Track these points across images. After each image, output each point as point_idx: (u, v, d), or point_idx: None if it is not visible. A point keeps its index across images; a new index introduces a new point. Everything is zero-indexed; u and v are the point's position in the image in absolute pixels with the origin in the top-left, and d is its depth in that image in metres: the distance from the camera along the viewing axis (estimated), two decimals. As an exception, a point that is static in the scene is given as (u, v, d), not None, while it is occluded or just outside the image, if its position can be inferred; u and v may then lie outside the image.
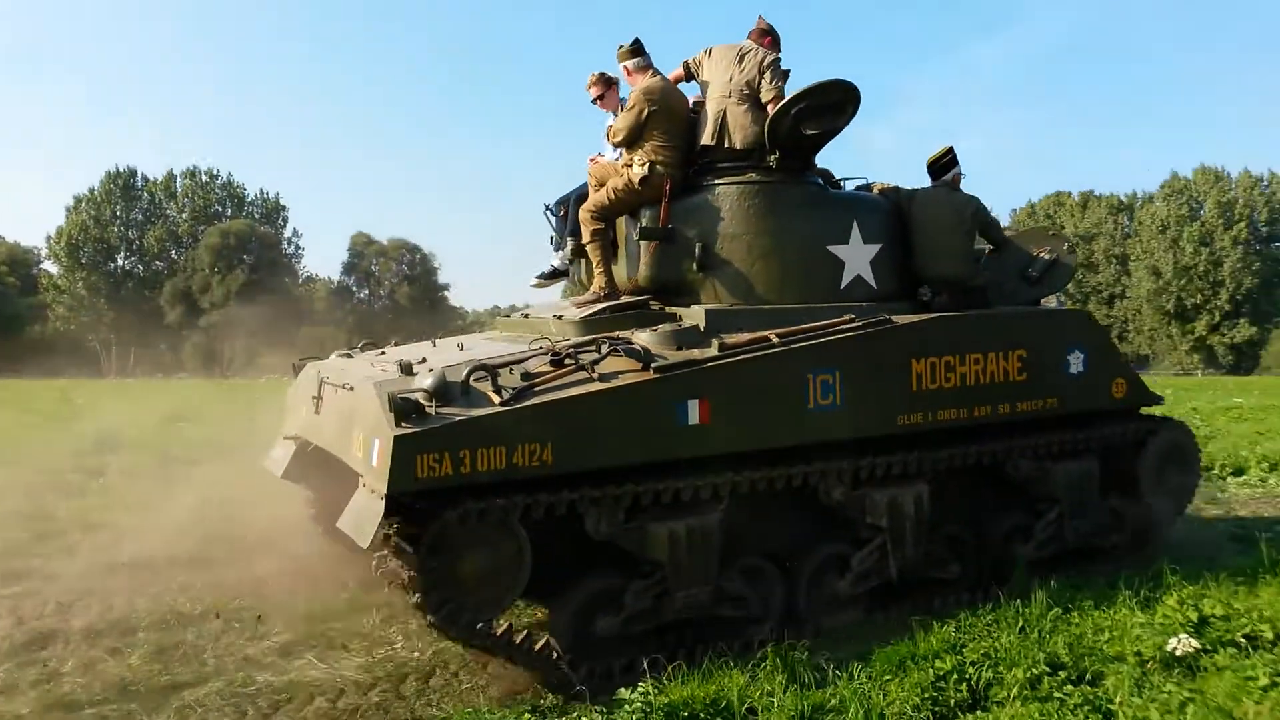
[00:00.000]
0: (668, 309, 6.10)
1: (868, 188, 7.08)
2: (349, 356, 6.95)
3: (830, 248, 6.32)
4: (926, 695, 4.54)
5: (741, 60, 6.27)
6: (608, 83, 6.88)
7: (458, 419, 4.55)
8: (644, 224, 6.15)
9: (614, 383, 4.96)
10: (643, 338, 5.40)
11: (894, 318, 6.00)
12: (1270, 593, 5.85)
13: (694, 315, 5.86)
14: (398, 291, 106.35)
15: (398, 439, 4.36)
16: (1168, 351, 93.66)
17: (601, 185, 6.34)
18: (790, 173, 6.32)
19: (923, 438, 6.03)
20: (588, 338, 5.46)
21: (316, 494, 7.03)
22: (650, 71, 6.34)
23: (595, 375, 4.93)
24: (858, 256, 6.42)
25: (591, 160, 6.79)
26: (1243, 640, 4.97)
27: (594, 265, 6.36)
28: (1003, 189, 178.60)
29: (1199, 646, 4.79)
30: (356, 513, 4.75)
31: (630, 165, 6.11)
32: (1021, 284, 7.14)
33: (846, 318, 5.83)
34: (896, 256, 6.62)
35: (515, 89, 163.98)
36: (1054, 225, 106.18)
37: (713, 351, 5.28)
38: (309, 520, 7.31)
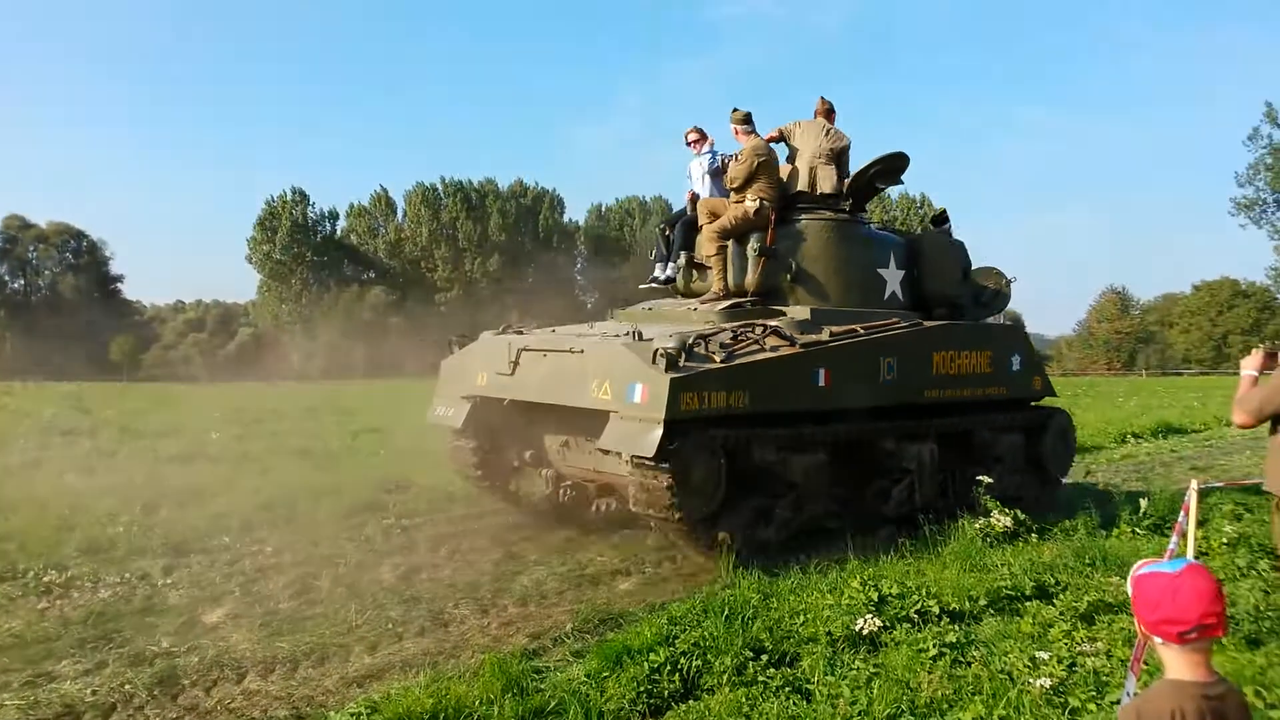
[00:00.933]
0: (770, 308, 8.18)
1: (944, 217, 9.98)
2: (519, 333, 8.57)
3: (878, 270, 8.84)
4: (642, 689, 4.62)
5: (827, 134, 8.75)
6: (702, 135, 9.24)
7: (703, 369, 6.58)
8: (755, 244, 8.21)
9: (779, 353, 7.13)
10: (773, 325, 7.44)
11: (923, 322, 8.56)
12: (934, 570, 6.58)
13: (799, 312, 7.99)
14: (61, 282, 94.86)
15: (673, 380, 6.30)
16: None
17: (714, 216, 8.47)
18: (854, 214, 8.92)
19: (932, 409, 8.48)
20: (738, 323, 7.53)
21: (478, 444, 8.79)
22: (753, 133, 8.46)
23: (766, 347, 7.07)
24: (893, 278, 8.94)
25: (690, 195, 9.22)
26: (915, 616, 5.52)
27: (715, 272, 8.44)
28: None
29: (881, 624, 5.25)
30: (621, 435, 6.63)
31: (743, 201, 8.23)
32: (977, 306, 9.78)
33: (895, 320, 8.22)
34: (912, 279, 9.11)
35: (206, 74, 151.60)
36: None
37: (825, 336, 7.45)
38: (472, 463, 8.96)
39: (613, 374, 6.79)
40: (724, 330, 7.21)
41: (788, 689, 4.53)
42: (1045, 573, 6.42)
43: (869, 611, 5.45)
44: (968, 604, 5.77)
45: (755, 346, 7.02)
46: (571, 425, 7.99)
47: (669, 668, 4.79)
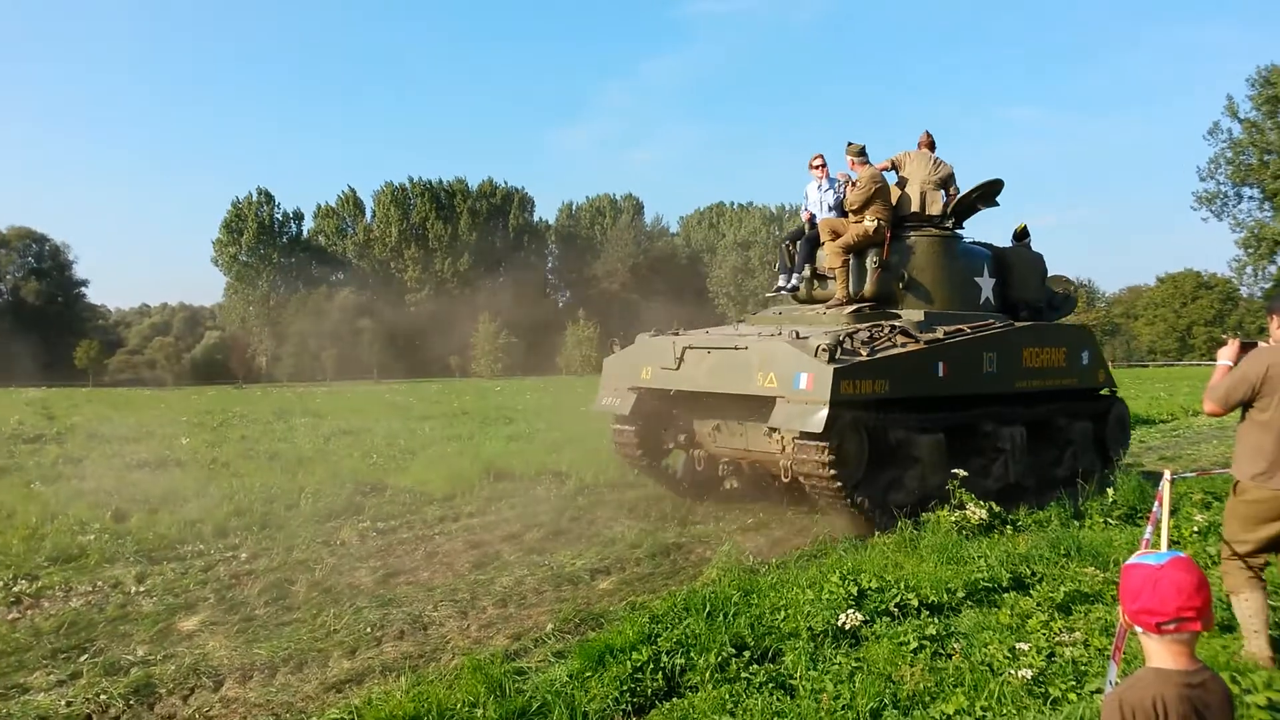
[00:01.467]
0: (887, 311, 9.54)
1: (1026, 232, 11.53)
2: (676, 334, 9.89)
3: (975, 279, 10.41)
4: (625, 688, 4.61)
5: (934, 165, 10.24)
6: (824, 163, 10.58)
7: (854, 361, 7.80)
8: (873, 258, 9.63)
9: (908, 348, 8.37)
10: (899, 325, 8.80)
11: (1013, 323, 10.11)
12: (912, 563, 6.62)
13: (913, 315, 9.34)
14: (24, 287, 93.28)
15: (835, 370, 7.53)
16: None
17: (835, 235, 9.78)
18: (955, 230, 10.43)
19: (1021, 397, 9.91)
20: (868, 324, 8.85)
21: (639, 428, 10.02)
22: (867, 163, 9.75)
23: (897, 344, 8.36)
24: (986, 285, 10.52)
25: (808, 215, 10.62)
26: (895, 609, 5.55)
27: (838, 282, 9.79)
28: (674, 198, 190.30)
29: (862, 619, 5.28)
30: (789, 415, 7.79)
31: (862, 221, 9.60)
32: (1051, 309, 11.48)
33: (991, 321, 9.82)
34: (1001, 286, 10.70)
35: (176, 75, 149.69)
36: (719, 233, 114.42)
37: (940, 335, 8.76)
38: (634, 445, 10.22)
39: (777, 366, 7.98)
40: (860, 329, 8.54)
41: (771, 685, 4.53)
42: (1021, 564, 6.48)
43: (849, 606, 5.48)
44: (946, 596, 5.81)
45: (889, 343, 8.33)
46: (725, 412, 9.29)
47: (652, 666, 4.79)
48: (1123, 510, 8.54)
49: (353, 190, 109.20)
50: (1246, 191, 57.89)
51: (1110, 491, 9.03)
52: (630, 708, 4.54)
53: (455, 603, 6.70)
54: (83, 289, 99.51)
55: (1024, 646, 4.77)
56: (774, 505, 10.00)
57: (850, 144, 9.75)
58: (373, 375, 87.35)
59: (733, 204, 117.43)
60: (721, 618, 5.43)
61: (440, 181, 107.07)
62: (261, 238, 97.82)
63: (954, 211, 10.29)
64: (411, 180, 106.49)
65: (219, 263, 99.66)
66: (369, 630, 6.12)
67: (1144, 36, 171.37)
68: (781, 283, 10.83)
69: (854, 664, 4.69)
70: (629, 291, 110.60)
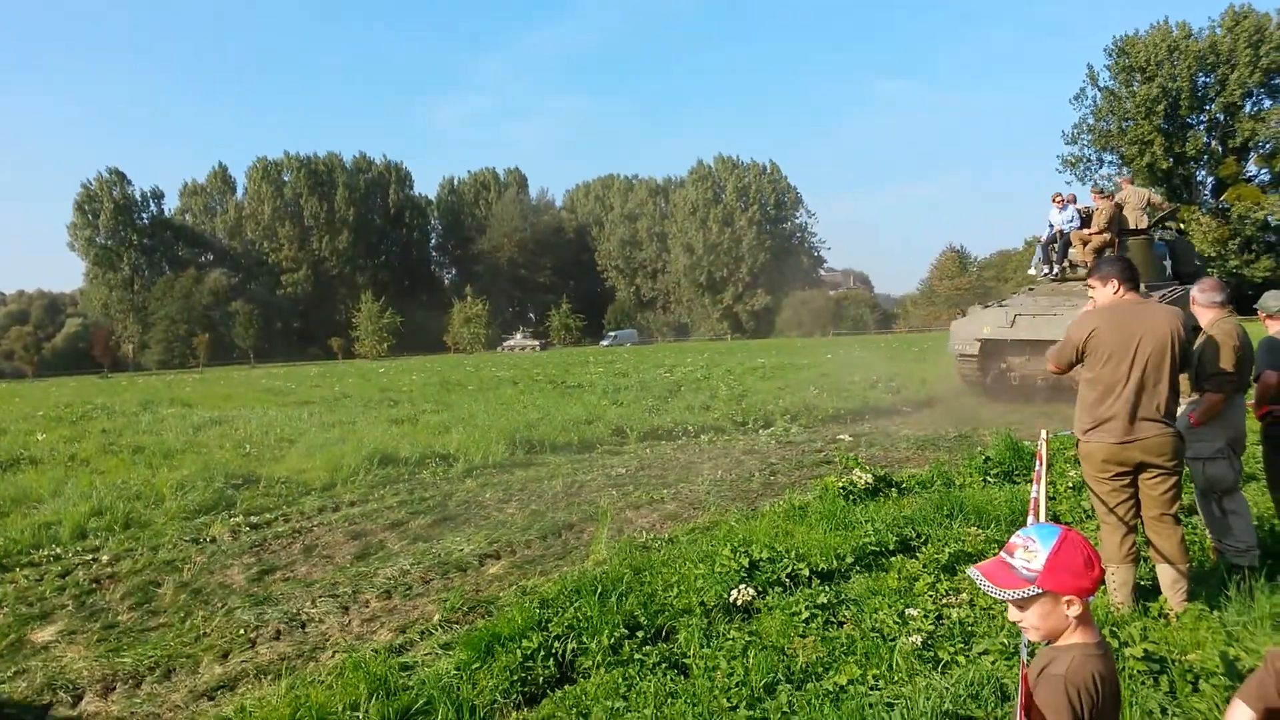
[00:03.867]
0: None
1: (1173, 214, 20.65)
2: (999, 306, 16.42)
3: (1163, 261, 16.67)
4: (515, 677, 4.46)
5: (1140, 197, 16.60)
6: (1062, 197, 16.70)
7: None
8: (1109, 254, 13.09)
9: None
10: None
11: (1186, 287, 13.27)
12: (802, 531, 6.64)
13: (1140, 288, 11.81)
14: None
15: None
16: (703, 320, 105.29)
17: (1085, 242, 15.64)
18: (1151, 233, 16.68)
19: None
20: None
21: (980, 363, 16.16)
22: (1105, 195, 15.93)
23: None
24: (1167, 265, 16.91)
25: (1058, 230, 16.57)
26: (787, 579, 5.53)
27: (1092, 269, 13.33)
28: (562, 172, 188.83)
29: (754, 592, 5.24)
30: None
31: (1104, 232, 15.37)
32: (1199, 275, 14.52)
33: (1175, 285, 15.60)
34: (1174, 263, 17.05)
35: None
36: (606, 206, 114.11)
37: (1155, 298, 11.35)
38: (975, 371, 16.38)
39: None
40: None
41: (665, 665, 4.44)
42: (907, 526, 6.57)
43: (741, 579, 5.43)
44: (836, 563, 5.83)
45: None
46: (1038, 351, 14.03)
47: (543, 653, 4.63)
48: (999, 469, 8.79)
49: (223, 167, 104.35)
50: (1107, 156, 60.93)
51: (988, 452, 9.30)
52: (521, 698, 4.39)
53: (336, 598, 6.40)
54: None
55: (913, 611, 4.80)
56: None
57: (1094, 184, 13.75)
58: (248, 360, 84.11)
59: (620, 176, 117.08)
60: (614, 598, 5.31)
61: (315, 156, 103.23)
62: (119, 219, 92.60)
63: (1154, 223, 16.78)
64: (287, 155, 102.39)
65: (75, 247, 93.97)
66: (242, 632, 5.79)
67: (1011, 12, 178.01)
68: (1046, 270, 17.01)
69: (747, 638, 4.64)
70: (516, 267, 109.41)
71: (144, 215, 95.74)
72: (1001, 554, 2.22)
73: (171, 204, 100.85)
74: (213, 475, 10.29)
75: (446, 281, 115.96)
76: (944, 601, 5.07)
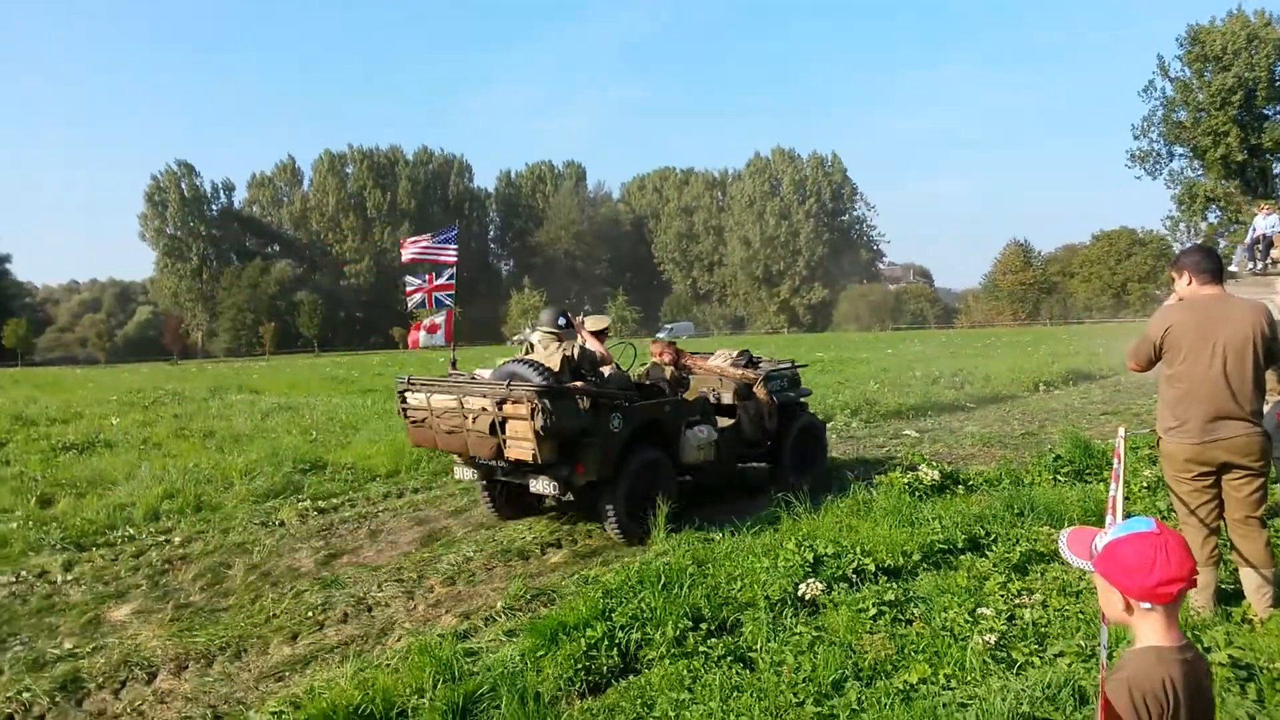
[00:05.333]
0: None
1: None
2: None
3: None
4: (579, 666, 4.46)
5: None
6: (1275, 207, 19.90)
7: None
8: None
9: None
10: None
11: None
12: (866, 527, 6.53)
13: None
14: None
15: None
16: (759, 313, 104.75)
17: None
18: None
19: None
20: None
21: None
22: None
23: None
24: None
25: (1260, 234, 19.11)
26: (852, 575, 5.45)
27: None
28: (619, 164, 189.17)
29: (821, 587, 5.17)
30: None
31: None
32: None
33: None
34: None
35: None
36: (663, 198, 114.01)
37: None
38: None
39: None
40: None
41: (729, 658, 4.40)
42: (976, 525, 6.43)
43: (807, 573, 5.37)
44: (902, 560, 5.73)
45: None
46: None
47: (606, 643, 4.63)
48: (1069, 468, 8.58)
49: (291, 159, 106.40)
50: (1178, 150, 59.02)
51: (1057, 450, 9.08)
52: (585, 687, 4.39)
53: (401, 582, 6.48)
54: (6, 264, 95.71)
55: (984, 610, 4.70)
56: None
57: None
58: (312, 349, 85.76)
59: (676, 169, 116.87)
60: (677, 589, 5.28)
61: (377, 149, 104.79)
62: (187, 210, 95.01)
63: None
64: (351, 147, 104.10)
65: (145, 237, 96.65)
66: (310, 614, 5.89)
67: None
68: (1251, 266, 18.75)
69: (814, 634, 4.58)
70: (573, 259, 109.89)
71: (213, 207, 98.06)
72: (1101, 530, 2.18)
73: (240, 196, 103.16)
74: (281, 460, 10.51)
75: (504, 273, 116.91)
76: (1016, 601, 4.94)
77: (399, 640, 5.32)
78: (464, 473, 8.00)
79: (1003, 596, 5.01)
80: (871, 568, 5.55)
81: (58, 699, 4.73)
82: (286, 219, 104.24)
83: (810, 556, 5.65)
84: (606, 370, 7.74)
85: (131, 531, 8.12)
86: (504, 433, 6.85)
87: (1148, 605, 1.98)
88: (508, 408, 6.75)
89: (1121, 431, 4.93)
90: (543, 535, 7.63)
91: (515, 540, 7.50)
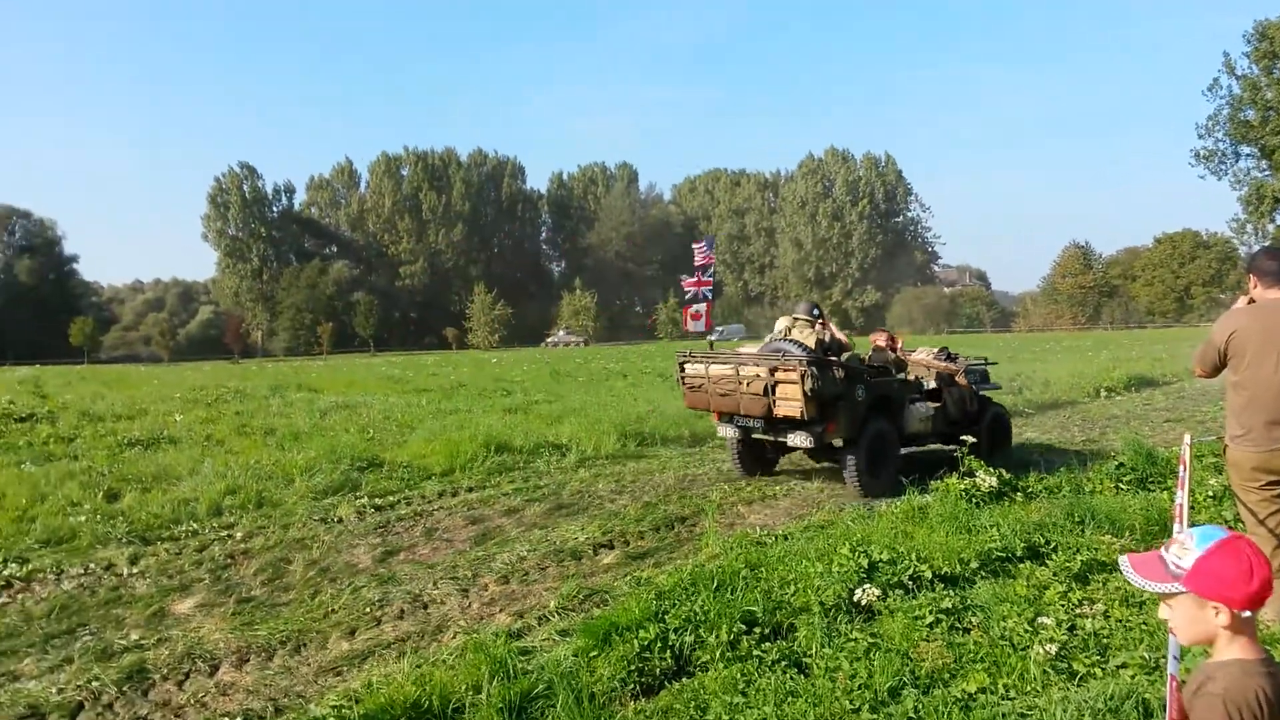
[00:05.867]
0: None
1: None
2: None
3: None
4: (633, 667, 4.47)
5: None
6: None
7: None
8: None
9: None
10: None
11: None
12: (922, 533, 6.46)
13: None
14: (17, 265, 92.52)
15: None
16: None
17: None
18: None
19: None
20: None
21: None
22: None
23: None
24: None
25: None
26: (908, 581, 5.39)
27: None
28: (670, 165, 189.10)
29: (877, 593, 5.12)
30: None
31: None
32: None
33: None
34: None
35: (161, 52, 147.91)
36: (714, 200, 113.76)
37: None
38: None
39: None
40: None
41: (784, 663, 4.38)
42: (1035, 533, 6.33)
43: (861, 579, 5.32)
44: (959, 567, 5.66)
45: None
46: None
47: (660, 644, 4.63)
48: (1132, 476, 8.39)
49: (349, 161, 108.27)
50: (1245, 149, 57.30)
51: (1121, 456, 8.89)
52: (638, 688, 4.40)
53: (456, 580, 6.56)
54: (74, 265, 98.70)
55: (1045, 620, 4.62)
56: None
57: None
58: (368, 348, 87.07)
59: (727, 170, 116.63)
60: (730, 592, 5.27)
61: (432, 151, 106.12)
62: (249, 211, 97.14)
63: None
64: (406, 150, 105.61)
65: (208, 237, 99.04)
66: (368, 610, 5.98)
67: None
68: None
69: (869, 640, 4.54)
70: (624, 260, 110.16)
71: (273, 208, 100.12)
72: (1160, 549, 2.11)
73: (299, 198, 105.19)
74: (339, 458, 10.69)
75: (556, 274, 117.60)
76: (1077, 611, 4.86)
77: (454, 638, 5.38)
78: (726, 430, 9.96)
79: (1063, 606, 4.92)
80: (928, 574, 5.49)
81: (125, 689, 4.86)
82: (344, 220, 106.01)
83: (865, 562, 5.60)
84: (844, 354, 9.61)
85: (195, 526, 8.31)
86: (774, 394, 8.86)
87: (1248, 614, 1.94)
88: (779, 374, 8.78)
89: (1186, 439, 4.83)
90: (595, 536, 7.66)
91: (568, 541, 7.55)
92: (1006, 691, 3.89)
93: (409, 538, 7.87)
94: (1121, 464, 8.67)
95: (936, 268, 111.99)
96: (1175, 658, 2.41)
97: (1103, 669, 4.05)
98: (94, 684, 4.88)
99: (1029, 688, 3.93)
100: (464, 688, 4.34)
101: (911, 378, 10.42)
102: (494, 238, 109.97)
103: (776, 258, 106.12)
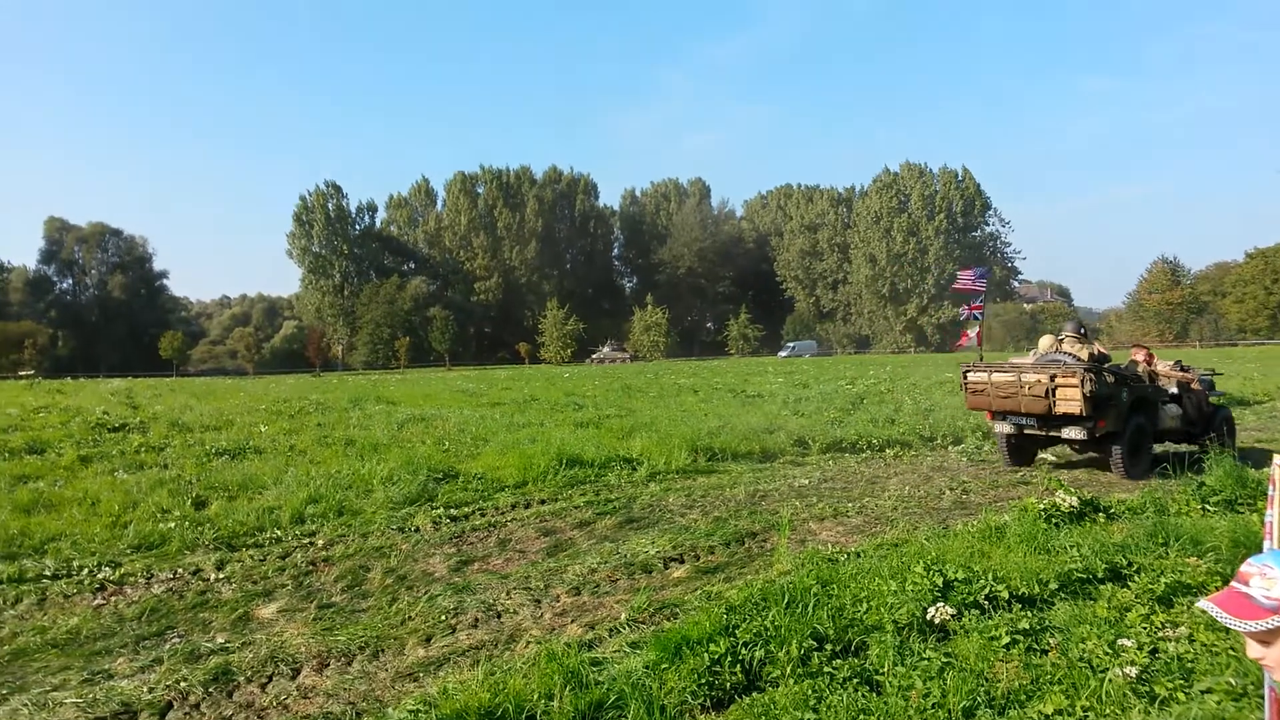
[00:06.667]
0: None
1: None
2: None
3: None
4: (703, 680, 4.49)
5: None
6: None
7: None
8: None
9: None
10: None
11: None
12: (1000, 553, 6.34)
13: None
14: (110, 281, 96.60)
15: None
16: (885, 332, 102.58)
17: None
18: None
19: None
20: None
21: None
22: None
23: None
24: None
25: None
26: (984, 601, 5.30)
27: None
28: (741, 181, 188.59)
29: (952, 612, 5.05)
30: None
31: None
32: None
33: None
34: None
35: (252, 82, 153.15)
36: (786, 215, 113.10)
37: None
38: None
39: None
40: None
41: (855, 680, 4.35)
42: (1117, 554, 6.16)
43: (936, 597, 5.25)
44: (1037, 588, 5.55)
45: None
46: None
47: (730, 659, 4.64)
48: (1219, 497, 8.10)
49: (425, 180, 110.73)
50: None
51: (1206, 477, 8.60)
52: (709, 701, 4.41)
53: (529, 590, 6.65)
54: (163, 281, 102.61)
55: (1126, 642, 4.50)
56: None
57: None
58: (444, 363, 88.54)
59: (799, 186, 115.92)
60: (801, 609, 5.25)
61: (507, 169, 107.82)
62: (331, 229, 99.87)
63: None
64: (482, 168, 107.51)
65: (292, 254, 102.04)
66: (444, 618, 6.10)
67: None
68: None
69: (943, 659, 4.47)
70: (695, 276, 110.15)
71: (356, 226, 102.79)
72: (1233, 584, 2.03)
73: (379, 216, 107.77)
74: (416, 469, 10.91)
75: (627, 290, 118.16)
76: (1160, 634, 4.72)
77: (527, 647, 5.46)
78: (1002, 427, 12.08)
79: (1145, 629, 4.79)
80: (1005, 594, 5.39)
81: (211, 690, 5.04)
82: (421, 238, 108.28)
83: (940, 581, 5.53)
84: (1107, 365, 11.39)
85: (278, 533, 8.57)
86: (1054, 396, 10.89)
87: None
88: (1059, 379, 10.85)
89: (1276, 459, 4.66)
90: (665, 550, 7.69)
91: (639, 554, 7.59)
92: (1085, 714, 3.80)
93: (483, 548, 8.01)
94: (1205, 484, 8.39)
95: (1016, 283, 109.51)
96: (1271, 688, 2.34)
97: (1186, 693, 3.93)
98: (182, 684, 5.07)
99: (1108, 710, 3.84)
100: (537, 696, 4.40)
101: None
102: (566, 254, 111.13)
103: (849, 273, 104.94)
